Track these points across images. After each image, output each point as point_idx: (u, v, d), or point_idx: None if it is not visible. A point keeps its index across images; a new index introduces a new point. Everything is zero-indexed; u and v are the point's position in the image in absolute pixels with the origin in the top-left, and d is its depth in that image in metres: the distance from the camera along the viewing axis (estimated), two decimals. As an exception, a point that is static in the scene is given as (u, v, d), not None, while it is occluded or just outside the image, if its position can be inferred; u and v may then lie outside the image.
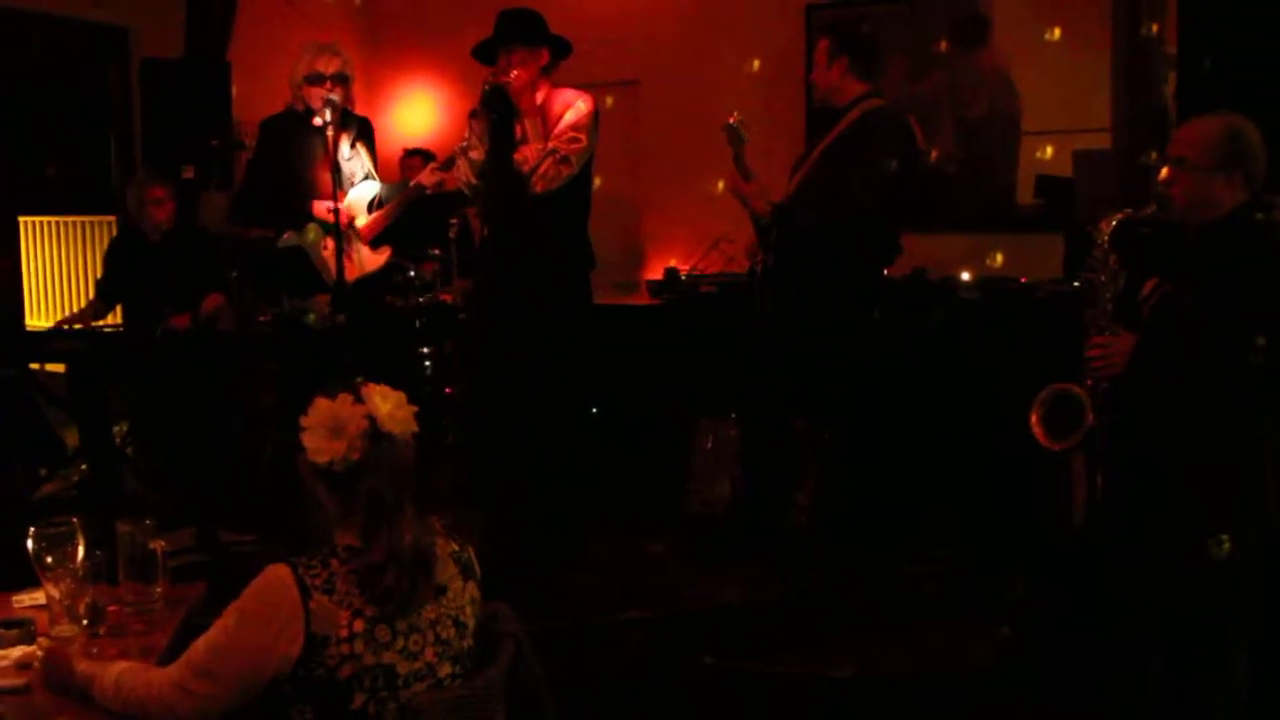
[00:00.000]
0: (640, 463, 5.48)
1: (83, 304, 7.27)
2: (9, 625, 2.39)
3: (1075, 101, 5.60)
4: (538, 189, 4.52)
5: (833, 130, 4.60)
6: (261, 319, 5.37)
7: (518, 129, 4.59)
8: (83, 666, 2.15)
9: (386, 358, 5.15)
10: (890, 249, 4.68)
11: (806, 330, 4.52)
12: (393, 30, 7.55)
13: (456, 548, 2.15)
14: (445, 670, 2.04)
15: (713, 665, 3.76)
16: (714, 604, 4.29)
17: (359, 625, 1.95)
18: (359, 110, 5.43)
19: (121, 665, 2.13)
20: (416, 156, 6.61)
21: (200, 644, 2.02)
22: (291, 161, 5.02)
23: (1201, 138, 3.09)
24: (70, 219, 8.80)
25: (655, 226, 6.77)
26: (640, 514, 5.21)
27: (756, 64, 6.24)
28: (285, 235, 5.02)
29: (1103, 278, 3.18)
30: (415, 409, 2.08)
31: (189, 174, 5.77)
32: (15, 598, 2.64)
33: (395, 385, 2.10)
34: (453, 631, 2.06)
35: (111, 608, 2.52)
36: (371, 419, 2.01)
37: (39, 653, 2.27)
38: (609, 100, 5.89)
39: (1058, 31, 5.55)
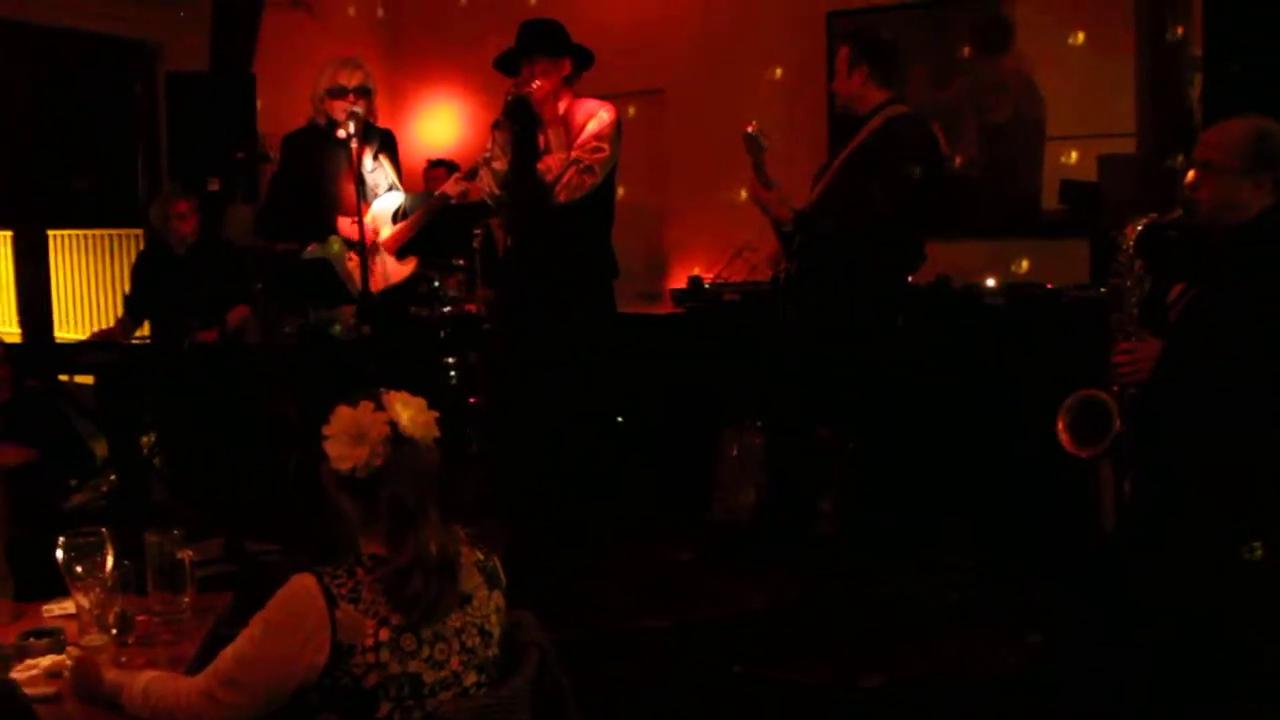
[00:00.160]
0: (665, 471, 5.48)
1: (110, 316, 7.36)
2: (39, 634, 2.42)
3: (1100, 106, 5.57)
4: (561, 199, 4.54)
5: (855, 138, 4.60)
6: (287, 330, 5.41)
7: (541, 139, 4.60)
8: (111, 675, 2.17)
9: (411, 368, 5.16)
10: (914, 256, 4.66)
11: (830, 338, 4.50)
12: (415, 42, 7.59)
13: (481, 556, 2.16)
14: (471, 679, 2.04)
15: (739, 673, 3.75)
16: (739, 612, 4.29)
17: (385, 634, 1.96)
18: (382, 122, 5.47)
19: (149, 674, 2.15)
20: (440, 168, 6.64)
21: (227, 653, 2.03)
22: (315, 175, 5.05)
23: (1228, 140, 3.08)
24: (98, 232, 8.89)
25: (679, 235, 6.76)
26: (665, 522, 5.21)
27: (779, 72, 6.24)
28: (310, 248, 5.05)
29: (1128, 283, 3.17)
30: (437, 415, 2.09)
31: (214, 187, 5.80)
32: (45, 607, 2.67)
33: (419, 394, 2.11)
34: (478, 640, 2.06)
35: (140, 617, 2.54)
36: (393, 424, 2.02)
37: (69, 662, 2.30)
38: (631, 110, 5.89)
39: (1081, 35, 5.52)
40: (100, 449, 5.15)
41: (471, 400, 5.87)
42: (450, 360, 6.00)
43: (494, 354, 4.98)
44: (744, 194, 4.80)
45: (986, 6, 5.87)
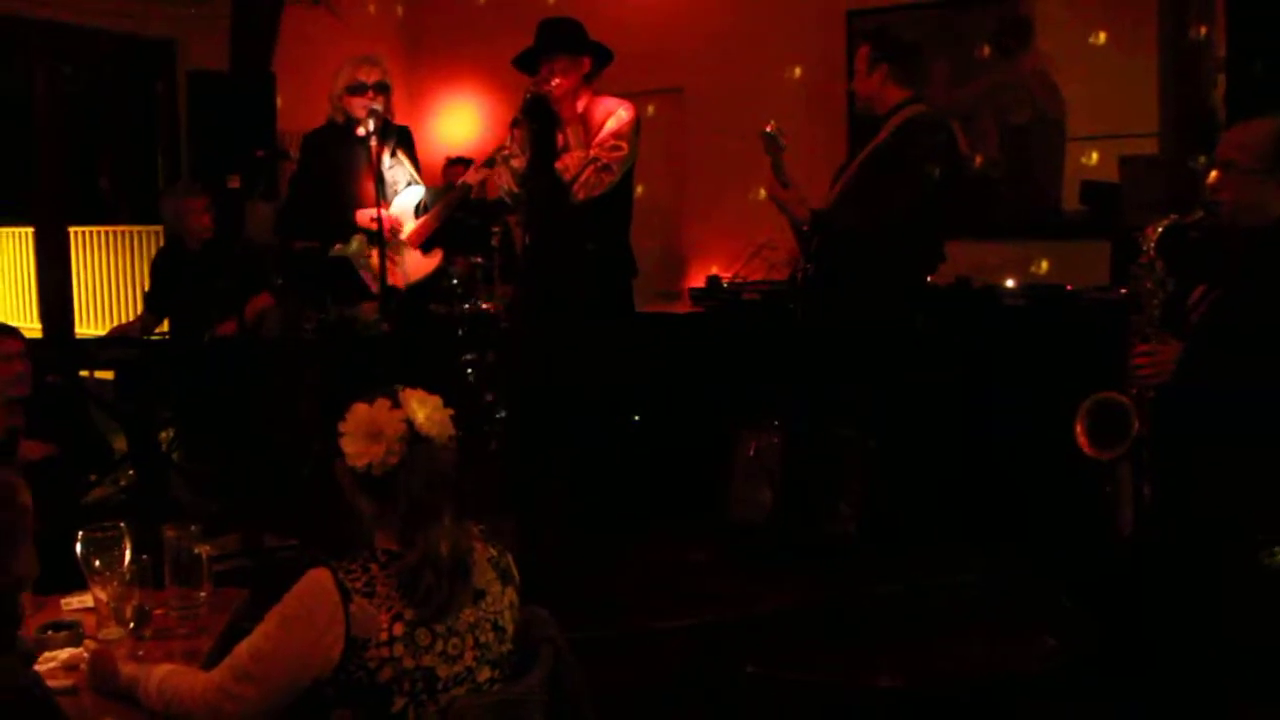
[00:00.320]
0: (682, 470, 5.47)
1: (130, 312, 7.40)
2: (57, 627, 2.43)
3: (1121, 106, 5.54)
4: (579, 197, 4.54)
5: (874, 138, 4.58)
6: (306, 326, 5.42)
7: (559, 137, 4.61)
8: (128, 669, 2.18)
9: (429, 365, 5.17)
10: (933, 256, 4.65)
11: (848, 338, 4.49)
12: (435, 40, 7.60)
13: (495, 553, 2.16)
14: (484, 674, 2.05)
15: (753, 674, 3.75)
16: (756, 612, 4.28)
17: (399, 628, 1.96)
18: (400, 119, 5.47)
19: (166, 668, 2.16)
20: (459, 165, 6.65)
21: (242, 648, 2.04)
22: (335, 173, 5.06)
23: (1251, 141, 3.05)
24: (119, 229, 8.95)
25: (697, 234, 6.76)
26: (682, 522, 5.20)
27: (798, 71, 6.23)
28: (335, 247, 5.04)
29: (1149, 284, 3.14)
30: (452, 412, 2.09)
31: (234, 184, 5.82)
32: (64, 600, 2.68)
33: (435, 391, 2.11)
34: (492, 636, 2.07)
35: (157, 611, 2.56)
36: (409, 422, 2.02)
37: (86, 655, 2.31)
38: (651, 108, 5.89)
39: (1103, 35, 5.49)
40: (119, 444, 5.19)
41: (489, 398, 5.87)
42: (468, 358, 6.00)
43: (512, 352, 4.98)
44: (762, 193, 4.79)
45: (1007, 5, 5.84)
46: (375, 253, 4.93)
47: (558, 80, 4.55)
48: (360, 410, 2.03)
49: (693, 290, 6.17)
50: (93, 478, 4.76)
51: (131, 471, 5.28)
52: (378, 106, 4.89)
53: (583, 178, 4.52)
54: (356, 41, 5.78)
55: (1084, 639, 3.63)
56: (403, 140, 5.21)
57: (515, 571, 2.19)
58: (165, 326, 5.73)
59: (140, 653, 2.38)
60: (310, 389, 5.48)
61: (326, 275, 5.13)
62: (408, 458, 2.02)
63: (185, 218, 5.46)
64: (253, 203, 6.09)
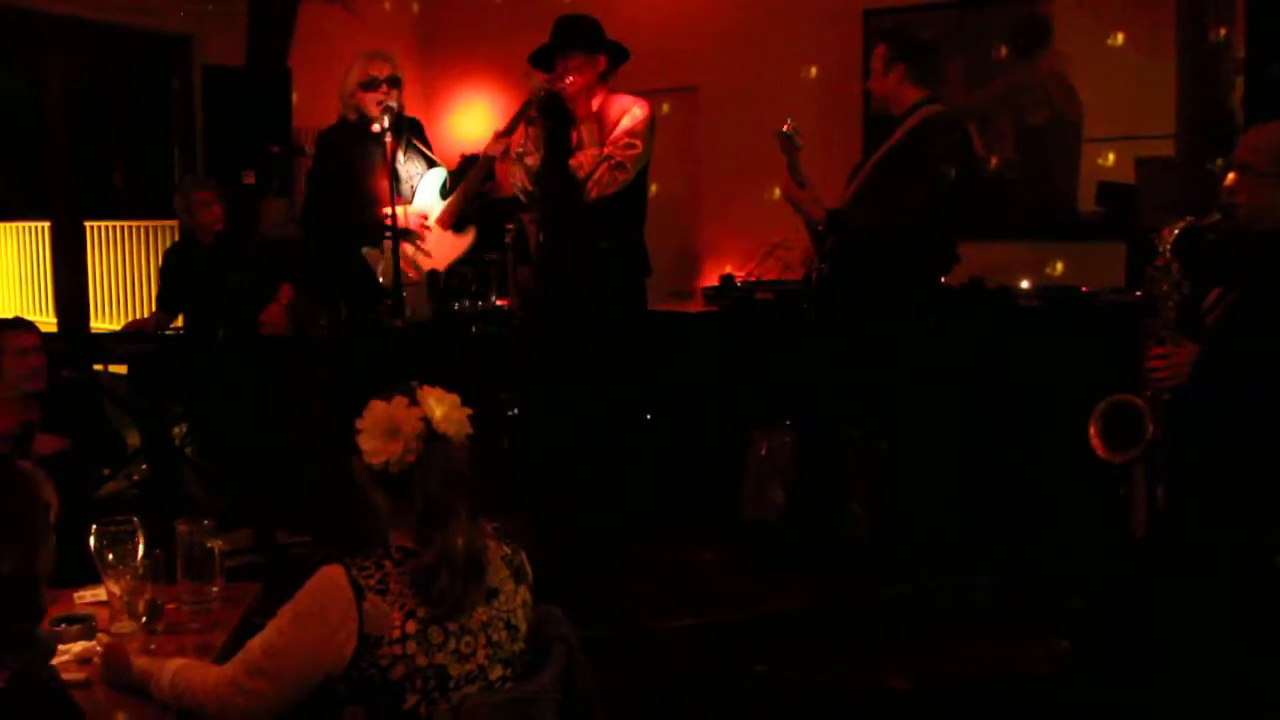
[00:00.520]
0: (693, 470, 5.47)
1: (145, 307, 7.42)
2: (71, 621, 2.44)
3: (1138, 107, 5.51)
4: (592, 195, 4.54)
5: (890, 137, 4.57)
6: (321, 323, 5.43)
7: (574, 135, 4.60)
8: (141, 662, 2.19)
9: (441, 361, 5.16)
10: (947, 257, 4.63)
11: (862, 338, 4.49)
12: (450, 37, 7.61)
13: (509, 551, 2.16)
14: (497, 673, 2.05)
15: (765, 674, 3.74)
16: (767, 612, 4.27)
17: (412, 626, 1.96)
18: (413, 112, 5.45)
19: (178, 662, 2.16)
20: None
21: (255, 643, 2.04)
22: (351, 171, 5.05)
23: (1268, 143, 3.04)
24: (134, 224, 8.98)
25: (711, 233, 6.75)
26: (693, 521, 5.20)
27: (814, 70, 6.22)
28: (368, 253, 5.02)
29: (1164, 286, 3.13)
30: (470, 411, 2.09)
31: (249, 180, 5.84)
32: (77, 594, 2.69)
33: (449, 389, 2.11)
34: (504, 634, 2.07)
35: (169, 605, 2.57)
36: (426, 421, 2.02)
37: (99, 648, 2.32)
38: (665, 106, 5.89)
39: (1120, 36, 5.47)
40: (132, 438, 5.20)
41: (502, 396, 5.88)
42: (482, 355, 6.01)
43: (525, 349, 4.98)
44: (777, 192, 4.78)
45: (1025, 6, 5.82)
46: (403, 247, 4.93)
47: (572, 78, 4.55)
48: (378, 407, 2.03)
49: (706, 289, 6.16)
50: (105, 472, 4.78)
51: (144, 466, 5.30)
52: (393, 103, 4.88)
53: (596, 175, 4.52)
54: (372, 38, 5.77)
55: (1095, 641, 3.62)
56: (414, 132, 5.19)
57: (529, 570, 2.19)
58: (179, 323, 5.75)
59: (153, 646, 2.39)
60: (322, 387, 5.50)
61: (342, 274, 5.12)
62: (425, 456, 2.02)
63: (195, 210, 5.46)
64: (267, 198, 6.11)
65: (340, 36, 6.54)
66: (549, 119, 4.61)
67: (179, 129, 6.66)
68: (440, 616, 1.99)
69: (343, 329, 5.21)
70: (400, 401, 2.04)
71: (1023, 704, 3.56)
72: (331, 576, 1.99)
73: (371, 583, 1.98)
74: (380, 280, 4.92)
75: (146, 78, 7.63)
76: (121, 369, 5.51)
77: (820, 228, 4.58)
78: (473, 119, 7.54)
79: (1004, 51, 5.84)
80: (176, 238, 6.43)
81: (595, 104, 4.65)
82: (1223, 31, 5.20)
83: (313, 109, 5.79)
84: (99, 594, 2.61)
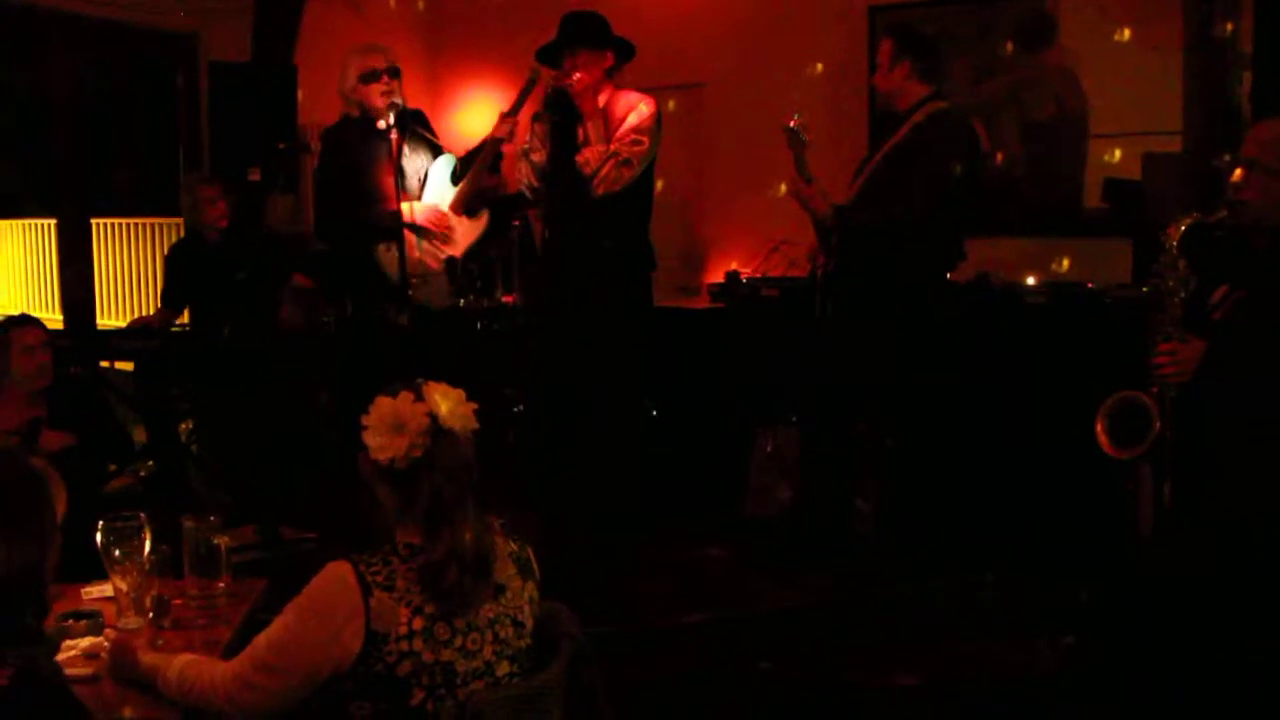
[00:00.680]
0: (699, 466, 5.47)
1: (151, 304, 7.43)
2: (78, 616, 2.44)
3: (1145, 103, 5.50)
4: (599, 191, 4.53)
5: (895, 134, 4.57)
6: (326, 320, 5.43)
7: (580, 131, 4.60)
8: (148, 658, 2.19)
9: (449, 358, 5.17)
10: (953, 253, 4.63)
11: (868, 334, 4.48)
12: (456, 34, 7.60)
13: (515, 547, 2.16)
14: (503, 669, 2.05)
15: (770, 672, 3.74)
16: (772, 609, 4.27)
17: (418, 623, 1.96)
18: (415, 104, 5.43)
19: (185, 658, 2.17)
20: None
21: (261, 639, 2.04)
22: (358, 169, 5.04)
23: (1276, 139, 3.03)
24: (140, 220, 8.99)
25: (717, 229, 6.75)
26: (698, 518, 5.20)
27: (820, 67, 6.20)
28: (380, 248, 5.01)
29: (1171, 283, 3.12)
30: (476, 406, 2.09)
31: (255, 176, 5.84)
32: (84, 590, 2.70)
33: (456, 384, 2.11)
34: (511, 631, 2.07)
35: (176, 601, 2.57)
36: (432, 416, 2.02)
37: (106, 643, 2.32)
38: (671, 103, 5.88)
39: (1127, 32, 5.45)
40: (138, 435, 5.21)
41: (507, 391, 5.88)
42: (487, 350, 6.00)
43: (531, 345, 4.98)
44: (783, 189, 4.77)
45: (1030, 1, 5.81)
46: (419, 243, 4.93)
47: (579, 74, 4.54)
48: (383, 403, 2.03)
49: (712, 286, 6.16)
50: (112, 468, 4.78)
51: (150, 463, 5.31)
52: (398, 100, 4.88)
53: (603, 172, 4.52)
54: (378, 35, 5.77)
55: (1101, 639, 3.61)
56: (418, 121, 5.17)
57: (535, 566, 2.19)
58: (184, 319, 5.76)
59: (160, 642, 2.39)
60: (328, 383, 5.50)
61: (348, 271, 5.12)
62: (431, 451, 2.02)
63: (201, 208, 5.46)
64: (273, 194, 6.11)
65: (346, 33, 6.53)
66: (556, 115, 4.61)
67: (185, 126, 6.66)
68: (447, 613, 1.99)
69: (348, 326, 5.22)
70: (406, 397, 2.03)
71: (1029, 702, 3.56)
72: (338, 573, 1.99)
73: (379, 579, 1.98)
74: (388, 274, 4.91)
75: (152, 75, 7.63)
76: (128, 366, 5.52)
77: (826, 224, 4.58)
78: (479, 114, 7.53)
79: (1010, 47, 5.83)
80: (182, 235, 6.45)
81: (602, 100, 4.65)
82: (1230, 27, 5.18)
83: (319, 106, 5.79)
84: (106, 590, 2.61)
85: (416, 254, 4.94)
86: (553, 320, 4.75)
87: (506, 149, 5.20)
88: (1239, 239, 3.16)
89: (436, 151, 5.13)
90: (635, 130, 4.56)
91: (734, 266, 6.20)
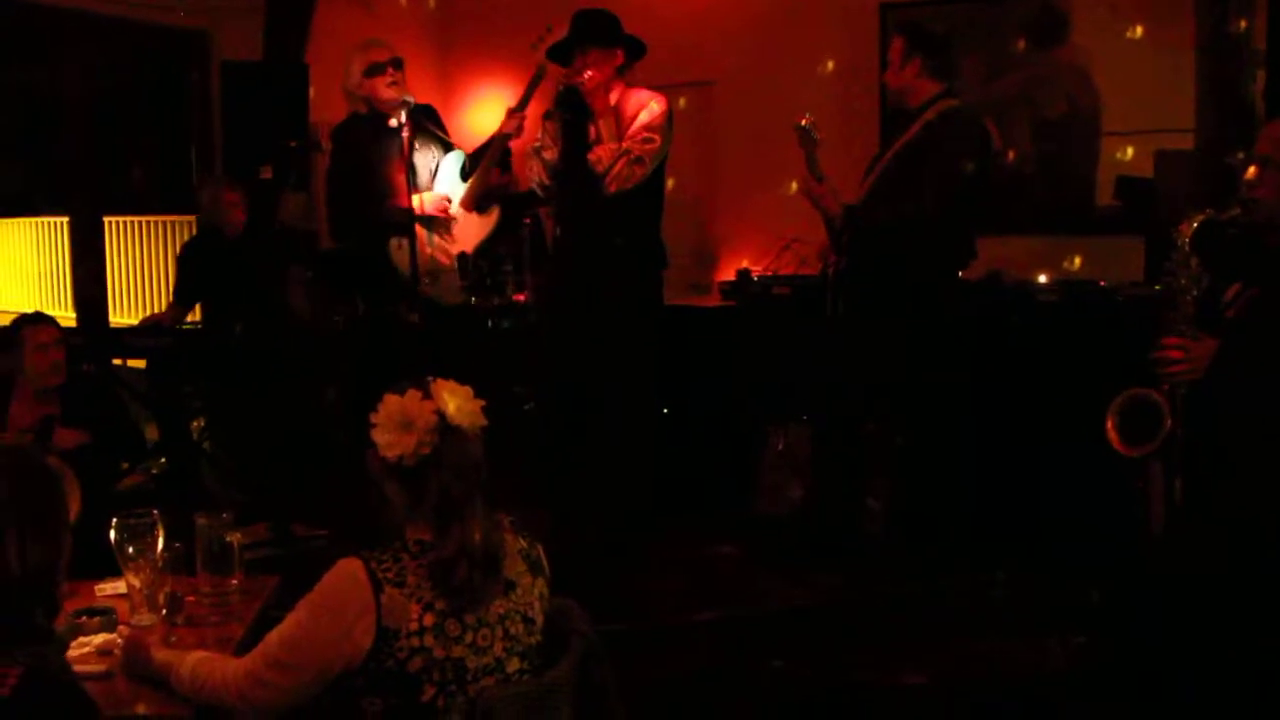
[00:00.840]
0: (710, 465, 5.47)
1: (163, 302, 7.45)
2: (91, 613, 2.45)
3: (1157, 101, 5.48)
4: (610, 189, 4.53)
5: (906, 132, 4.56)
6: (336, 318, 5.44)
7: (591, 130, 4.60)
8: (161, 655, 2.20)
9: (460, 355, 5.18)
10: (964, 251, 4.62)
11: (879, 333, 4.48)
12: (467, 32, 7.60)
13: (525, 544, 2.16)
14: (514, 665, 2.05)
15: (781, 670, 3.74)
16: (783, 608, 4.27)
17: (429, 619, 1.97)
18: (425, 100, 5.44)
19: (198, 654, 2.18)
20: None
21: (273, 636, 2.05)
22: (368, 165, 5.06)
23: (1289, 137, 3.01)
24: (153, 218, 9.01)
25: (728, 227, 6.74)
26: (709, 516, 5.20)
27: (831, 65, 6.20)
28: (392, 245, 5.01)
29: (1183, 280, 3.11)
30: (484, 403, 2.09)
31: (267, 174, 5.85)
32: (98, 586, 2.71)
33: (465, 382, 2.11)
34: (521, 627, 2.07)
35: (189, 598, 2.58)
36: (440, 414, 2.02)
37: (119, 640, 2.33)
38: (682, 101, 5.87)
39: (1140, 29, 5.44)
40: (151, 432, 5.23)
41: (518, 389, 5.88)
42: (498, 349, 6.01)
43: (542, 343, 4.99)
44: (794, 187, 4.77)
45: (1042, -1, 5.80)
46: (430, 237, 4.94)
47: (590, 72, 4.54)
48: (391, 401, 2.04)
49: (723, 284, 6.15)
50: (124, 465, 4.80)
51: (162, 460, 5.33)
52: (409, 96, 4.88)
53: (614, 170, 4.52)
54: (389, 33, 5.78)
55: (1112, 637, 3.61)
56: (428, 117, 5.18)
57: (546, 563, 2.19)
58: (196, 315, 5.78)
59: (172, 639, 2.41)
60: (340, 381, 5.51)
61: (360, 269, 5.14)
62: (439, 449, 2.02)
63: (225, 210, 5.50)
64: (285, 192, 6.13)
65: (357, 31, 6.54)
66: (567, 113, 4.61)
67: (197, 125, 6.68)
68: (458, 609, 1.99)
69: (359, 324, 5.23)
70: (414, 395, 2.04)
71: (1039, 700, 3.55)
72: (349, 569, 1.99)
73: (389, 575, 1.98)
74: (400, 271, 4.92)
75: (164, 73, 7.65)
76: (140, 364, 5.54)
77: (837, 224, 4.58)
78: (490, 111, 7.53)
79: (1021, 45, 5.81)
80: (194, 233, 6.47)
81: (613, 99, 4.65)
82: (1243, 24, 5.16)
83: (330, 104, 5.79)
84: (119, 587, 2.62)
85: (429, 250, 4.95)
86: (564, 318, 4.75)
87: (515, 145, 5.21)
88: (1252, 237, 3.14)
89: (446, 147, 5.13)
90: (647, 128, 4.56)
91: (745, 265, 6.19)
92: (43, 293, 9.87)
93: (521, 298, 6.00)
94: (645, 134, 4.55)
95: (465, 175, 5.10)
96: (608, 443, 4.70)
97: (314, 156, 6.28)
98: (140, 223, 9.12)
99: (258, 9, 6.44)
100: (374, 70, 4.95)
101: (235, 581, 2.63)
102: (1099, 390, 3.27)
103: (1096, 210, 5.70)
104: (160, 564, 2.53)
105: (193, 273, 5.68)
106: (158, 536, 2.53)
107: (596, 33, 4.60)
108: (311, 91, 5.96)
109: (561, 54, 4.69)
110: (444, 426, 2.02)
